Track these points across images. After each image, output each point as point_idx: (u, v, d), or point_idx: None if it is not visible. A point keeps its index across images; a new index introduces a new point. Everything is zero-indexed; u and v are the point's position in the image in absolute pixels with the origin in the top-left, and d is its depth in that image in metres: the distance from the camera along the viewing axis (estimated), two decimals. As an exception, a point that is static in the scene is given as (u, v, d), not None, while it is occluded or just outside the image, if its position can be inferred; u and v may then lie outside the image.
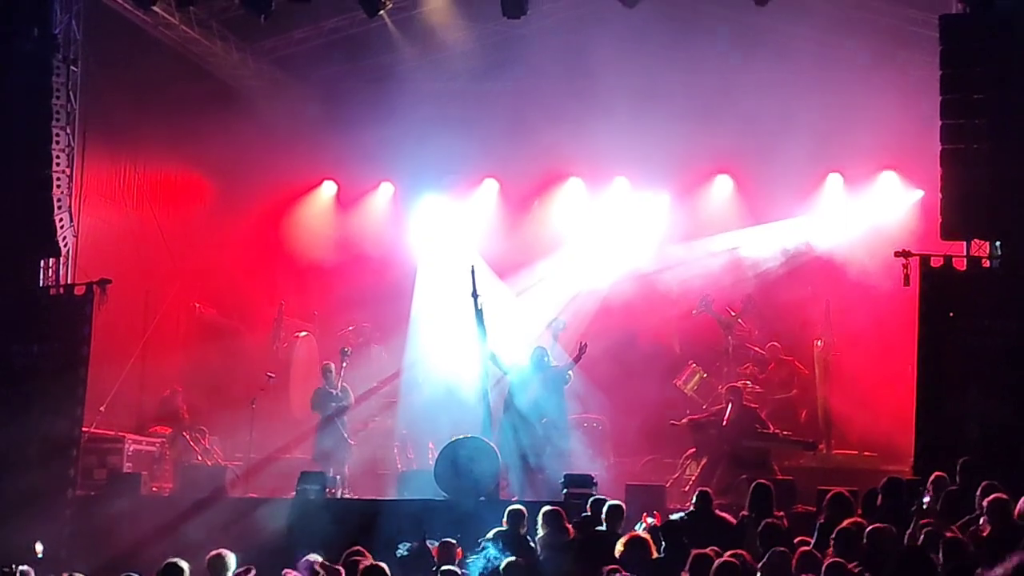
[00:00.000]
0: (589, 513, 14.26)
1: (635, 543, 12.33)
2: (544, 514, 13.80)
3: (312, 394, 20.62)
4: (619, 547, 12.33)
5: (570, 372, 19.84)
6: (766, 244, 23.58)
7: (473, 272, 19.67)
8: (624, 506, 14.20)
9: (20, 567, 13.11)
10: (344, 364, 20.78)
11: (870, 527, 11.48)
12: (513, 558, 12.40)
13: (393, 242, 24.91)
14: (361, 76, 23.41)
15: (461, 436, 18.41)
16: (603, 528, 13.72)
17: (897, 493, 13.60)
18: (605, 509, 13.90)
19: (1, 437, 18.15)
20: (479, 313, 19.45)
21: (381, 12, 20.07)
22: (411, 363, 23.20)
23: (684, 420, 20.77)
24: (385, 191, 25.31)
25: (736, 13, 21.13)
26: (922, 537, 11.31)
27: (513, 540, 13.52)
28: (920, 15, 19.82)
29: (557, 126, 22.30)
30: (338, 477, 18.79)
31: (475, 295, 19.50)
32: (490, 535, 13.75)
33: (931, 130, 17.54)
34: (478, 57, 22.47)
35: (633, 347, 22.60)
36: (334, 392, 20.35)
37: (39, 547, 15.58)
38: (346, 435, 20.25)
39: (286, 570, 12.01)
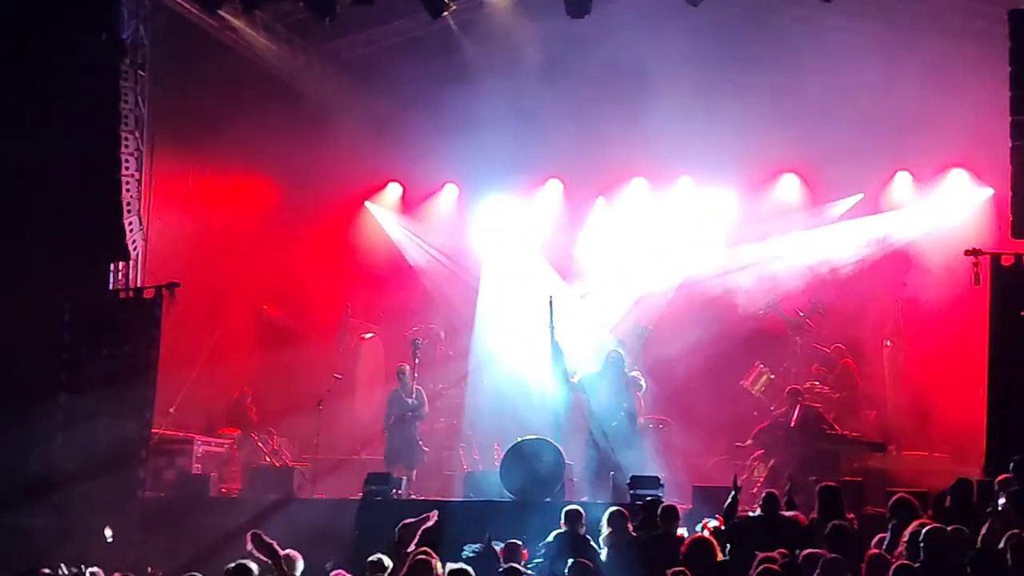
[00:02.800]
0: (643, 514, 14.20)
1: (700, 545, 12.28)
2: (609, 515, 13.80)
3: (388, 396, 20.69)
4: (684, 549, 12.30)
5: (643, 381, 19.84)
6: (839, 242, 23.32)
7: (551, 303, 19.69)
8: (677, 507, 14.15)
9: (90, 568, 13.24)
10: (416, 359, 20.83)
11: (927, 529, 11.35)
12: (576, 560, 12.36)
13: (458, 243, 24.94)
14: (425, 77, 23.42)
15: (527, 437, 18.43)
16: (659, 530, 13.67)
17: (966, 495, 13.46)
18: (659, 511, 13.86)
19: (72, 439, 18.41)
20: (556, 345, 19.50)
21: (445, 13, 20.14)
22: (477, 364, 23.25)
23: (748, 441, 20.63)
24: (449, 192, 25.32)
25: (803, 10, 20.97)
26: (1003, 541, 11.15)
27: (572, 540, 13.52)
28: (989, 10, 19.55)
29: (621, 125, 22.20)
30: (404, 479, 18.81)
31: (552, 327, 19.55)
32: (550, 537, 13.76)
33: (1001, 127, 17.32)
34: (541, 57, 22.39)
35: (701, 348, 22.43)
36: (409, 400, 20.38)
37: (108, 532, 15.79)
38: (419, 440, 20.31)
39: (336, 571, 12.05)
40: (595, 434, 18.99)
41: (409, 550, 12.02)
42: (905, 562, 10.73)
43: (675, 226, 24.16)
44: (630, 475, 17.54)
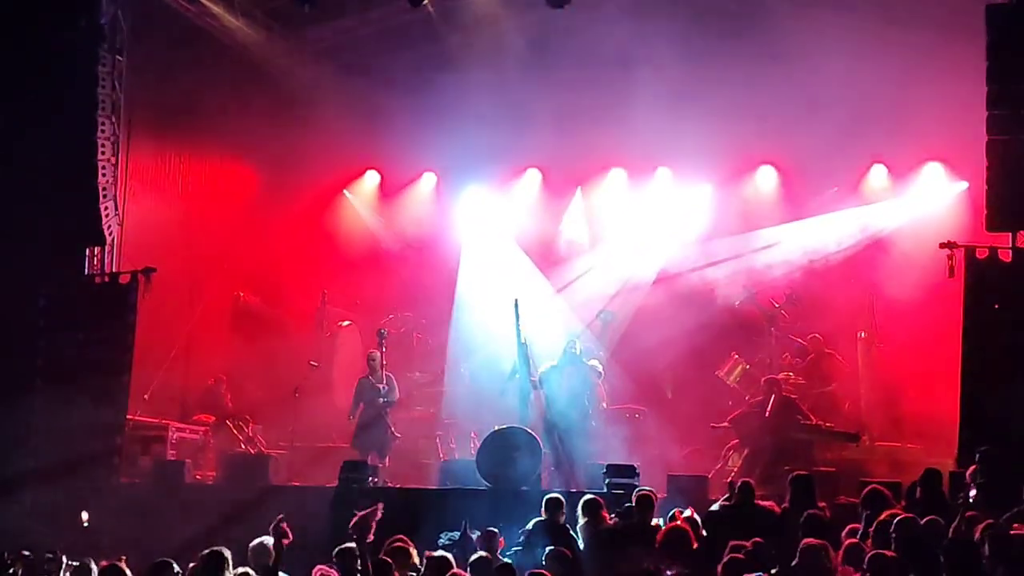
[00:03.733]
0: (633, 504, 14.27)
1: (675, 533, 12.33)
2: (583, 504, 13.84)
3: (356, 384, 20.63)
4: (660, 537, 12.35)
5: (602, 370, 19.96)
6: (815, 234, 23.38)
7: (516, 306, 19.74)
8: (653, 495, 14.21)
9: (48, 553, 13.27)
10: (383, 348, 20.78)
11: (898, 519, 11.45)
12: (554, 547, 12.40)
13: (435, 232, 24.94)
14: (404, 66, 23.40)
15: (503, 426, 18.48)
16: (635, 519, 13.73)
17: (935, 485, 13.56)
18: (634, 498, 13.92)
19: (47, 425, 18.37)
20: (522, 347, 19.54)
21: (424, 1, 20.14)
22: (455, 353, 23.27)
23: (725, 423, 20.71)
24: (428, 181, 25.28)
25: (783, 4, 21.02)
26: (977, 532, 11.24)
27: (552, 528, 13.57)
28: (966, 4, 19.61)
29: (600, 116, 22.23)
30: (379, 467, 18.81)
31: (518, 329, 19.59)
32: (530, 524, 13.81)
33: (977, 121, 17.41)
34: (521, 47, 22.38)
35: (677, 338, 22.49)
36: (381, 387, 20.31)
37: (85, 516, 15.77)
38: (392, 428, 20.29)
39: (318, 566, 12.05)
40: (556, 426, 19.05)
41: (370, 539, 12.02)
42: (880, 551, 10.79)
43: (653, 217, 24.18)
44: (606, 464, 17.61)
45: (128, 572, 12.17)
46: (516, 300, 19.90)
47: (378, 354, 20.66)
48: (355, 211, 25.12)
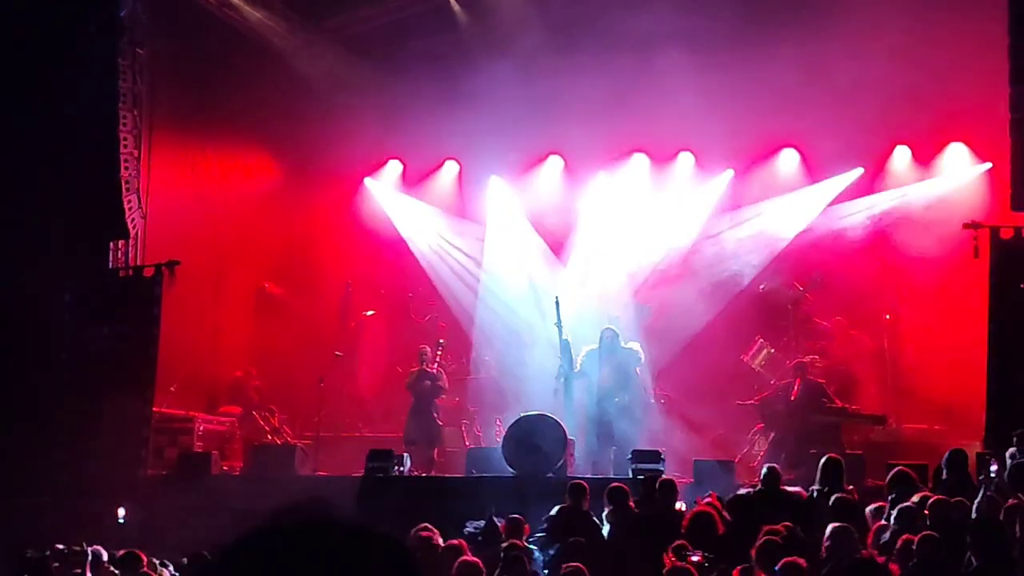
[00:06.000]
0: (643, 490, 14.29)
1: (702, 518, 12.32)
2: (609, 491, 13.85)
3: (408, 376, 20.73)
4: (685, 523, 12.35)
5: (642, 355, 19.90)
6: (838, 216, 23.26)
7: (557, 303, 19.76)
8: (675, 481, 14.21)
9: (91, 547, 13.34)
10: (439, 355, 20.90)
11: (931, 501, 11.43)
12: (572, 538, 12.40)
13: (458, 220, 24.93)
14: (424, 54, 23.38)
15: (528, 413, 18.47)
16: (658, 505, 13.73)
17: (961, 466, 13.52)
18: (657, 485, 13.92)
19: (73, 418, 18.43)
20: (564, 343, 19.54)
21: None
22: (479, 340, 23.28)
23: (752, 401, 20.67)
24: (450, 169, 25.25)
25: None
26: (1001, 513, 11.22)
27: (575, 515, 13.57)
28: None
29: (622, 101, 22.16)
30: (406, 456, 18.79)
31: (559, 325, 19.60)
32: (553, 511, 13.81)
33: (1000, 100, 17.28)
34: (542, 34, 22.33)
35: (701, 323, 22.46)
36: (428, 382, 20.43)
37: (121, 512, 15.86)
38: (437, 417, 20.38)
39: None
40: (596, 411, 19.08)
41: None
42: (930, 533, 10.77)
43: (674, 201, 24.08)
44: (631, 450, 17.61)
45: (144, 559, 12.29)
46: (557, 298, 19.94)
47: (428, 349, 20.77)
48: (378, 200, 25.08)
